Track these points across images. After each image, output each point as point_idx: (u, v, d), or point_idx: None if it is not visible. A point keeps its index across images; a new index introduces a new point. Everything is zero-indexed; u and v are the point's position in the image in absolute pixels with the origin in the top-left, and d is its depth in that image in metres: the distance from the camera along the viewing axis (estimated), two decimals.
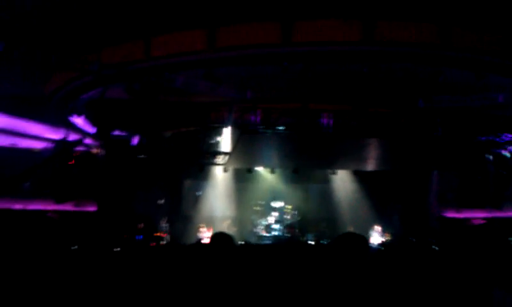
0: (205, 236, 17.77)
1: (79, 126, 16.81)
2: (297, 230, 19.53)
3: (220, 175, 19.94)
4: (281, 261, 5.46)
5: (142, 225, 17.01)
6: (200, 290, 3.87)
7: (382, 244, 17.89)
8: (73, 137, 17.45)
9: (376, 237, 18.44)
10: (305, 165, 19.90)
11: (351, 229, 18.34)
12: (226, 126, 15.82)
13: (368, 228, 18.63)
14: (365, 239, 3.79)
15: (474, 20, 11.95)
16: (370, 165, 19.58)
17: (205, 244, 4.57)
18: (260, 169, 20.33)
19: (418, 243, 17.34)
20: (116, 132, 16.50)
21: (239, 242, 16.33)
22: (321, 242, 18.55)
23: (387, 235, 18.56)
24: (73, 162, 17.30)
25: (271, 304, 4.05)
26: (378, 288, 3.59)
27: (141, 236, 15.68)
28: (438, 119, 15.27)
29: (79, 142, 17.58)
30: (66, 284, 5.23)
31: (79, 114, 15.64)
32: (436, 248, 16.16)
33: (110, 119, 15.84)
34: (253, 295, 4.00)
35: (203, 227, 18.32)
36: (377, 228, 18.71)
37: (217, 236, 4.36)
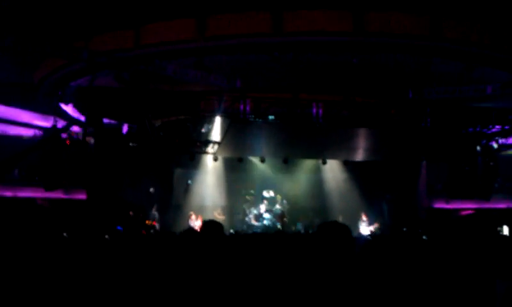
0: (196, 224, 17.76)
1: (68, 113, 16.75)
2: (287, 219, 19.58)
3: (211, 164, 19.87)
4: (269, 251, 5.47)
5: (132, 213, 17.01)
6: (189, 278, 3.90)
7: (371, 234, 17.97)
8: (62, 124, 17.38)
9: (365, 227, 18.56)
10: (295, 155, 19.94)
11: (340, 218, 18.42)
12: (216, 115, 15.77)
13: (358, 217, 18.76)
14: (348, 228, 3.79)
15: (464, 12, 12.02)
16: (360, 156, 19.63)
17: (195, 232, 4.58)
18: (250, 158, 20.31)
19: (409, 233, 17.44)
20: (106, 120, 16.43)
21: (230, 231, 16.36)
22: (310, 231, 18.60)
23: (376, 224, 18.66)
24: (67, 146, 17.23)
25: (258, 293, 4.08)
26: (369, 278, 3.61)
27: (122, 227, 15.58)
28: (428, 110, 15.35)
29: (68, 129, 17.51)
30: (56, 272, 5.24)
31: (68, 102, 15.59)
32: (425, 238, 16.27)
33: (99, 107, 15.75)
34: (242, 284, 4.04)
35: (193, 215, 18.32)
36: (365, 218, 18.82)
37: (208, 224, 4.39)
